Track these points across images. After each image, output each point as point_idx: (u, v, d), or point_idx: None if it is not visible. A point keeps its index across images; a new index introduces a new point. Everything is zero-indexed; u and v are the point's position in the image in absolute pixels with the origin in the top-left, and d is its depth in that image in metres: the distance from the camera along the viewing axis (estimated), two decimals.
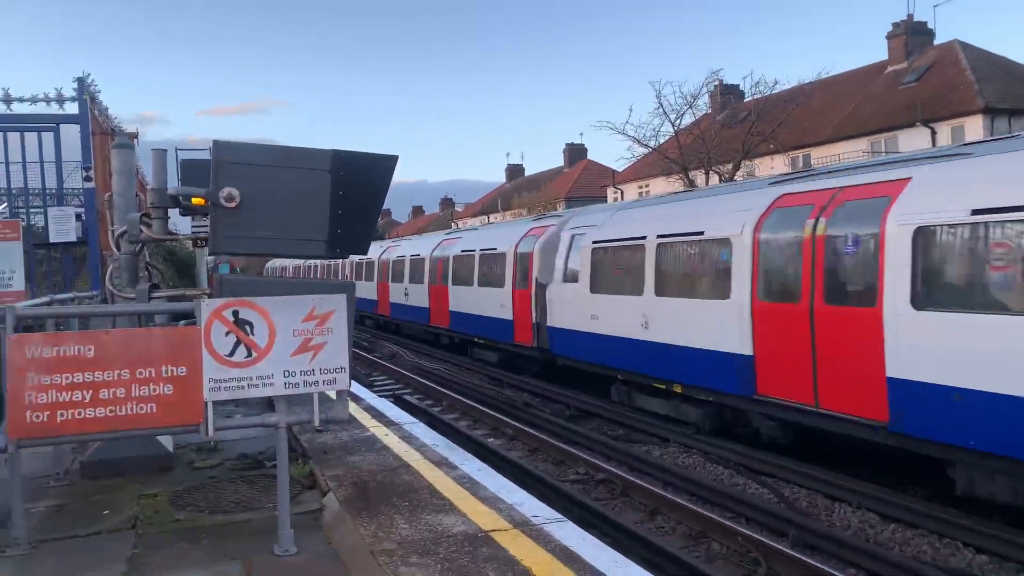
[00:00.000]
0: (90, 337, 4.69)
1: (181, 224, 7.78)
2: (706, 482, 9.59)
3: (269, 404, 7.12)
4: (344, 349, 5.05)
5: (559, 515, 5.29)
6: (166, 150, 6.17)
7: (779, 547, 7.29)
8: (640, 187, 40.23)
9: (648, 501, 9.12)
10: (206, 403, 4.78)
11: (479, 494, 5.76)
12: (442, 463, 6.66)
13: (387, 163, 5.88)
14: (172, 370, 4.70)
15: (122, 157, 6.69)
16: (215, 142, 5.44)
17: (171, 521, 5.81)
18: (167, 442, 7.30)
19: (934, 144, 25.83)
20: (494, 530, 5.00)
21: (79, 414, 4.58)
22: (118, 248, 6.53)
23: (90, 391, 4.58)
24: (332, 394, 5.31)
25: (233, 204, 5.37)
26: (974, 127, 26.24)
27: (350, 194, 5.72)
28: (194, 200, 6.26)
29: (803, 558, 7.03)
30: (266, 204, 5.56)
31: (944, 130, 27.39)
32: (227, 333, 4.77)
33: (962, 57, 29.81)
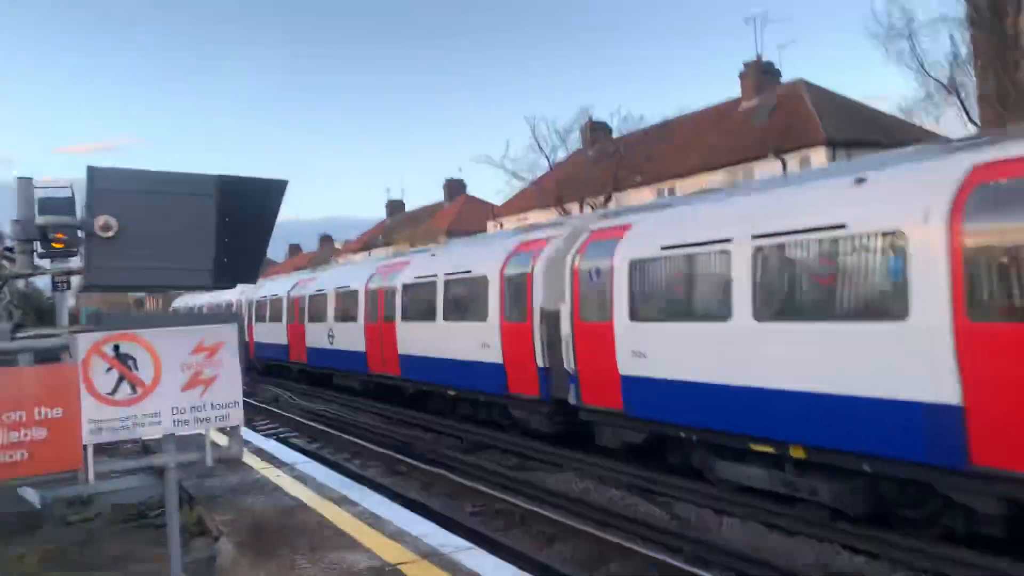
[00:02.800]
0: None
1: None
2: (601, 505, 9.72)
3: (145, 450, 6.68)
4: (237, 382, 4.82)
5: (468, 543, 5.21)
6: (32, 178, 5.73)
7: (675, 563, 7.46)
8: (519, 219, 40.94)
9: (546, 528, 9.13)
10: (85, 447, 4.41)
11: (383, 528, 5.60)
12: (342, 500, 6.43)
13: (276, 188, 5.70)
14: (46, 412, 4.31)
15: None
16: (89, 167, 5.10)
17: None
18: (33, 496, 6.67)
19: (784, 172, 27.72)
20: (402, 563, 4.87)
21: None
22: None
23: None
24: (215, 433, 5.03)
25: (110, 233, 5.03)
26: (818, 157, 28.40)
27: (237, 221, 5.48)
28: (54, 241, 5.84)
29: (699, 572, 7.22)
30: (146, 233, 5.24)
31: (793, 160, 29.49)
32: (108, 369, 4.45)
33: (805, 95, 32.36)
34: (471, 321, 14.59)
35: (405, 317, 17.39)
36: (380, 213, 69.65)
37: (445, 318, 15.63)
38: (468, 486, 10.91)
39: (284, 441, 14.33)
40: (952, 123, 27.00)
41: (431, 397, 16.84)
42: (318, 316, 22.89)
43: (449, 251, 17.96)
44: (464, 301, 15.11)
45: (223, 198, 5.46)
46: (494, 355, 13.74)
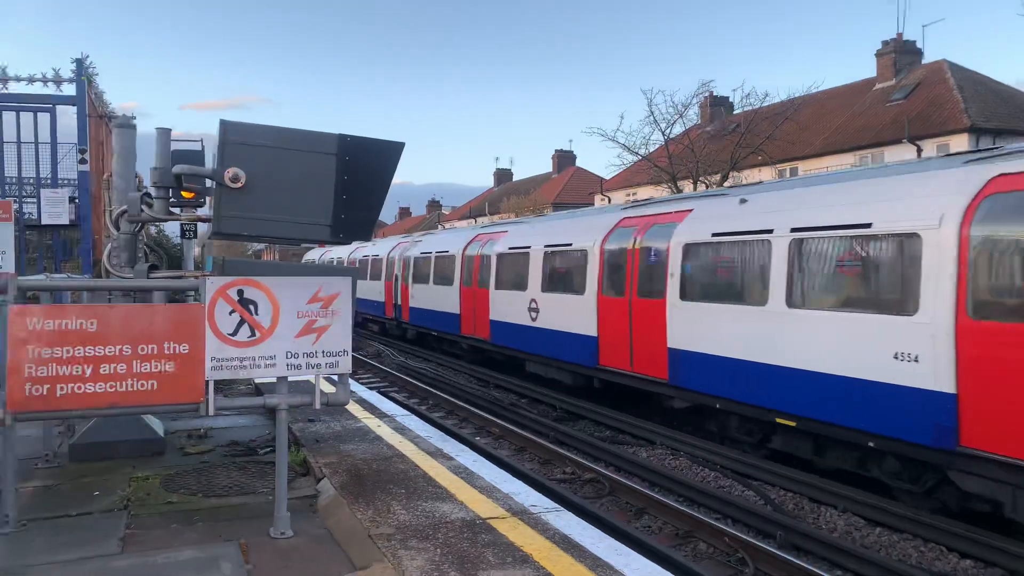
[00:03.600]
0: (93, 311, 4.65)
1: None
2: (693, 483, 9.63)
3: (257, 393, 7.07)
4: (348, 333, 5.04)
5: (556, 504, 5.30)
6: (170, 129, 6.14)
7: (766, 547, 7.34)
8: (628, 195, 40.42)
9: (635, 501, 9.15)
10: (207, 382, 4.75)
11: (475, 484, 5.76)
12: (437, 454, 6.65)
13: (393, 149, 5.88)
14: (174, 347, 4.67)
15: (123, 138, 6.64)
16: (222, 121, 5.41)
17: (164, 503, 5.77)
18: (157, 426, 7.24)
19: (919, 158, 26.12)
20: (492, 517, 5.00)
21: (79, 389, 4.53)
22: (117, 228, 6.47)
23: (91, 366, 4.54)
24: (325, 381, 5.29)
25: (239, 184, 5.34)
26: (960, 144, 26.54)
27: (355, 179, 5.71)
28: (185, 190, 6.24)
29: (790, 558, 7.07)
30: (271, 186, 5.54)
31: (930, 147, 27.74)
32: (231, 312, 4.75)
33: (950, 76, 30.25)
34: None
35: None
36: (488, 182, 70.27)
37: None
38: (559, 453, 11.04)
39: (385, 394, 14.88)
40: None
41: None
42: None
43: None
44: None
45: (343, 156, 5.69)
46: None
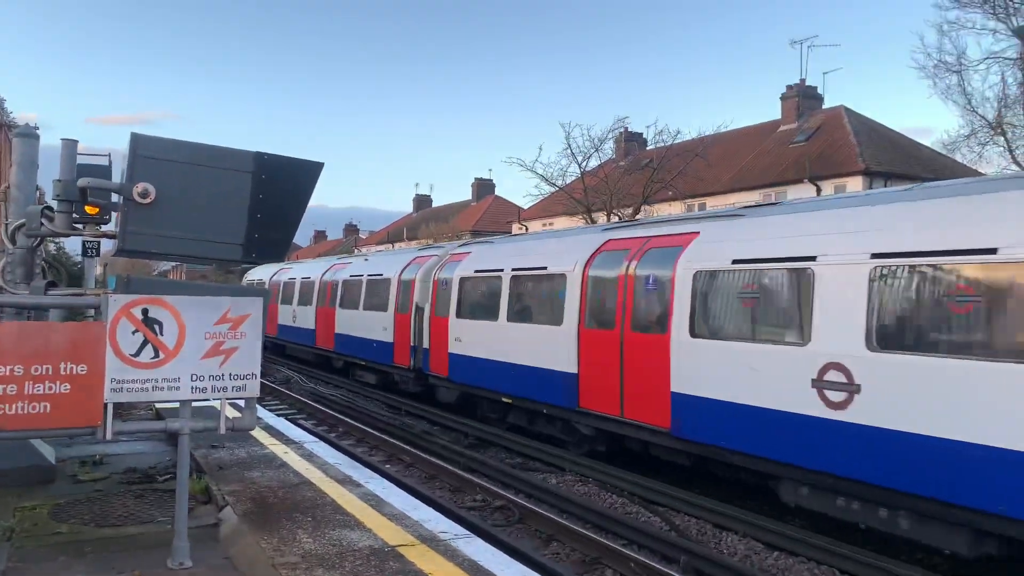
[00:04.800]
0: None
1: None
2: (601, 510, 9.76)
3: (157, 418, 6.82)
4: (257, 355, 4.93)
5: (466, 531, 5.30)
6: (76, 141, 5.90)
7: (670, 572, 7.49)
8: (544, 224, 41.00)
9: (544, 527, 9.20)
10: (106, 405, 4.55)
11: (385, 511, 5.69)
12: (346, 480, 6.54)
13: (312, 169, 5.81)
14: (71, 368, 4.46)
15: (24, 147, 6.34)
16: (133, 134, 5.25)
17: (52, 534, 5.46)
18: (48, 453, 6.86)
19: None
20: (401, 544, 4.96)
21: None
22: (13, 242, 6.14)
23: None
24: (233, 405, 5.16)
25: (148, 200, 5.17)
26: (854, 186, 28.17)
27: (271, 198, 5.61)
28: (88, 204, 6.00)
29: None
30: (182, 203, 5.38)
31: (828, 188, 29.27)
32: (134, 331, 4.59)
33: (847, 122, 32.13)
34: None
35: (460, 314, 15.56)
36: (406, 207, 70.04)
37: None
38: (470, 480, 11.01)
39: (293, 421, 14.52)
40: (995, 161, 26.54)
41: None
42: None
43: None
44: (533, 301, 13.71)
45: (259, 175, 5.59)
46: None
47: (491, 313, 14.39)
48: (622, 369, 10.95)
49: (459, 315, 15.49)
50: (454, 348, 15.42)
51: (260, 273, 33.08)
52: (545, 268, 13.19)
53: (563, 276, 12.49)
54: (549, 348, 12.50)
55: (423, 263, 18.41)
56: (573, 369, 11.98)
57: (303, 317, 25.99)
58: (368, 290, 20.94)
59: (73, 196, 5.81)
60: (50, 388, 4.43)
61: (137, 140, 5.27)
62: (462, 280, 15.67)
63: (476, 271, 15.38)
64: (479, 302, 15.17)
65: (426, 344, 16.94)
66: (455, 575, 4.46)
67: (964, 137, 26.44)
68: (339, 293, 22.78)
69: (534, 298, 13.63)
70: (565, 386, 12.07)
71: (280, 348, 28.99)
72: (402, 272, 19.10)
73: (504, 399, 14.01)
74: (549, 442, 13.04)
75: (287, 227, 5.84)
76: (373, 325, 19.73)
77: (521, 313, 13.80)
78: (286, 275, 29.15)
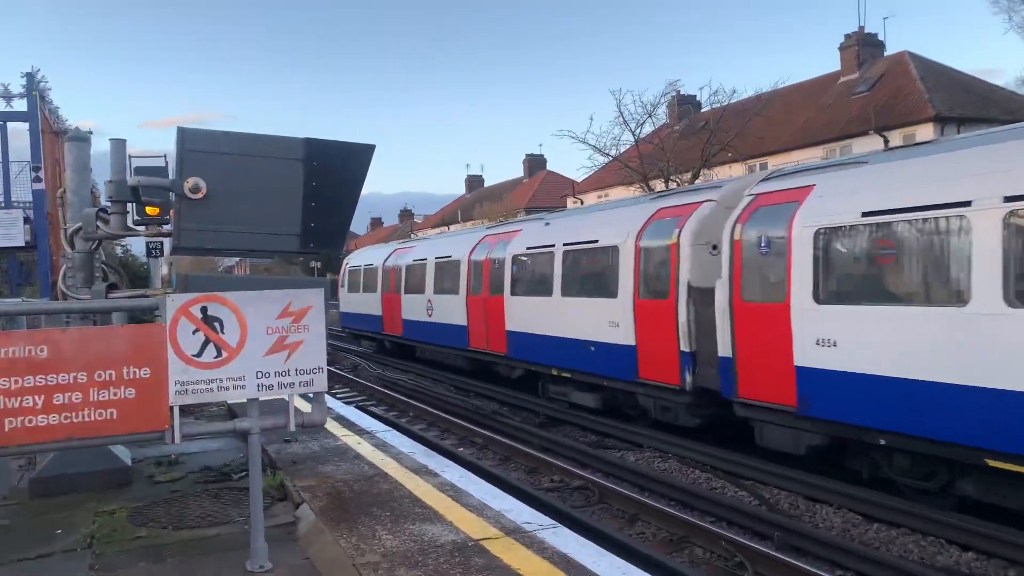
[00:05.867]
0: (43, 336, 4.28)
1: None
2: (684, 486, 9.41)
3: (231, 413, 6.70)
4: (322, 348, 4.72)
5: (552, 521, 5.02)
6: (124, 140, 5.78)
7: (764, 550, 7.12)
8: (600, 196, 40.32)
9: (627, 507, 8.90)
10: (172, 407, 4.40)
11: (464, 501, 5.45)
12: (421, 471, 6.33)
13: (364, 152, 5.57)
14: (134, 372, 4.31)
15: (76, 151, 6.26)
16: (179, 128, 5.07)
17: (131, 539, 5.39)
18: (124, 455, 6.85)
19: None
20: (485, 538, 4.71)
21: (29, 422, 4.15)
22: (72, 247, 6.09)
23: (42, 396, 4.17)
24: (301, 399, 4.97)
25: (199, 195, 5.00)
26: (925, 134, 26.75)
27: (324, 185, 5.39)
28: (148, 205, 5.88)
29: (789, 560, 6.87)
30: (234, 196, 5.20)
31: (896, 138, 27.89)
32: (195, 331, 4.41)
33: (912, 68, 30.52)
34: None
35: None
36: (459, 189, 70.07)
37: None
38: (546, 460, 10.77)
39: (363, 409, 14.52)
40: None
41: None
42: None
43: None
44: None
45: (310, 161, 5.37)
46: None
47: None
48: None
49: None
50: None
51: (367, 256, 27.63)
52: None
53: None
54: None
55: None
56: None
57: (444, 309, 19.33)
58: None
59: (126, 196, 5.70)
60: (115, 394, 4.30)
61: (184, 134, 5.10)
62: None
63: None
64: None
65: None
66: (544, 569, 4.19)
67: None
68: (507, 275, 16.07)
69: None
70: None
71: (405, 350, 23.29)
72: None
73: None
74: (629, 421, 12.65)
75: (343, 214, 5.63)
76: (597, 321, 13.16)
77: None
78: (408, 256, 22.65)
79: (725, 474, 9.88)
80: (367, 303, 25.80)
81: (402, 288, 22.48)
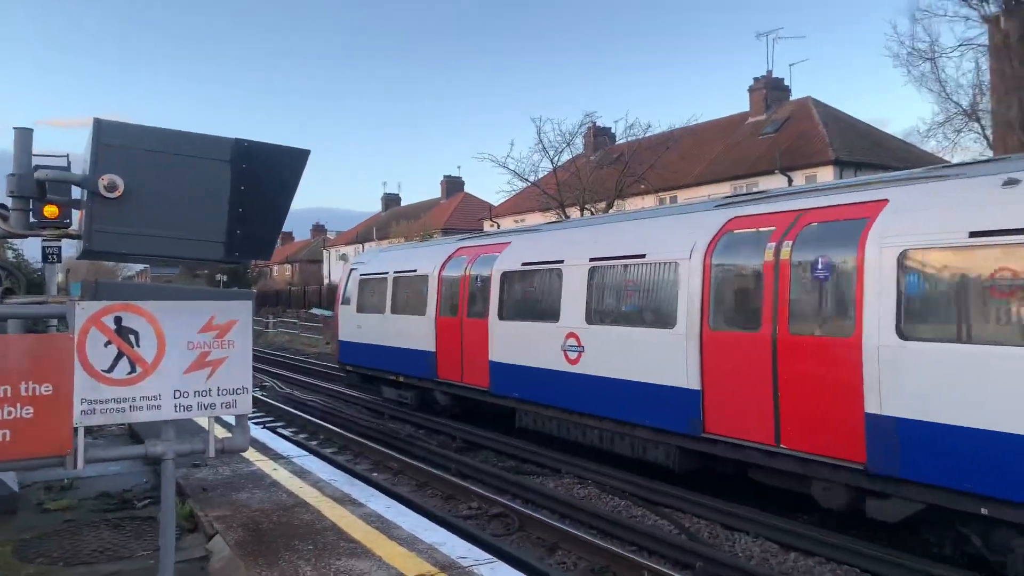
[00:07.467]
0: None
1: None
2: (605, 514, 9.31)
3: (132, 434, 6.20)
4: (247, 366, 4.36)
5: (488, 556, 4.77)
6: (31, 129, 5.25)
7: None
8: (516, 220, 40.51)
9: (548, 535, 8.72)
10: (76, 429, 3.94)
11: (393, 534, 5.14)
12: (345, 500, 5.97)
13: (298, 157, 5.24)
14: (34, 388, 3.84)
15: None
16: (96, 119, 4.62)
17: None
18: (10, 480, 6.18)
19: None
20: (420, 575, 4.42)
21: None
22: None
23: None
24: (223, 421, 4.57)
25: (116, 194, 4.56)
26: (826, 176, 28.13)
27: (254, 190, 5.02)
28: (46, 210, 5.37)
29: None
30: (154, 197, 4.76)
31: (800, 178, 29.19)
32: (107, 343, 3.98)
33: (815, 113, 32.20)
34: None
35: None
36: (374, 207, 69.25)
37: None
38: (463, 487, 10.49)
39: (274, 431, 13.85)
40: (972, 148, 26.72)
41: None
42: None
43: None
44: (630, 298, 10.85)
45: (239, 164, 5.00)
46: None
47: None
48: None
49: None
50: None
51: (399, 259, 17.76)
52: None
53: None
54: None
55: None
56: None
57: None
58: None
59: (30, 192, 5.17)
60: (9, 412, 3.81)
61: (101, 127, 4.65)
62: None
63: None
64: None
65: None
66: None
67: (939, 124, 26.59)
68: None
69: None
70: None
71: (482, 411, 14.81)
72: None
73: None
74: (549, 446, 12.39)
75: (273, 222, 5.26)
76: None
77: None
78: (512, 258, 13.67)
79: (644, 502, 9.84)
80: (402, 331, 16.48)
81: (494, 310, 13.54)
